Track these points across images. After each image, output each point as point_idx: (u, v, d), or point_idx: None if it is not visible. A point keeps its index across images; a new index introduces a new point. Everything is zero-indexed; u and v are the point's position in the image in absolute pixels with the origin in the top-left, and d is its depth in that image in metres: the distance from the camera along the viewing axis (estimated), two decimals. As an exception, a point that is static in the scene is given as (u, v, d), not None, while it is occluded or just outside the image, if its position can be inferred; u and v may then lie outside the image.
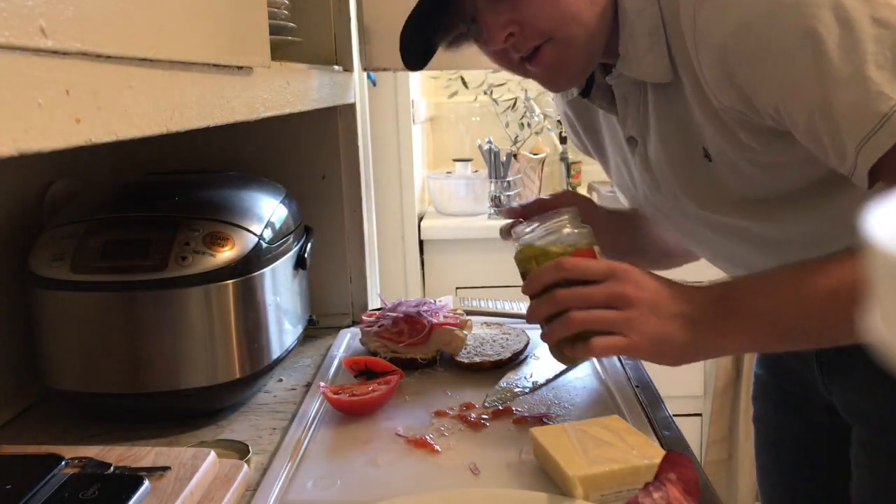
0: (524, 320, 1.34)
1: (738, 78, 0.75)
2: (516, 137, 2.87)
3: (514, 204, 0.96)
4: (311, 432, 0.96)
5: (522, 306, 1.40)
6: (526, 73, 0.88)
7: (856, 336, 0.84)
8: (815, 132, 0.73)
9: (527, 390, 1.05)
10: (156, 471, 0.78)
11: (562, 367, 1.12)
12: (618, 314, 0.79)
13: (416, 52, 0.92)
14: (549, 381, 1.08)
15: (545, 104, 2.86)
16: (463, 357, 1.15)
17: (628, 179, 1.00)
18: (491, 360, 1.14)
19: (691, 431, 2.44)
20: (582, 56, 0.86)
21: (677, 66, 0.82)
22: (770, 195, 0.86)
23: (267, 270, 1.04)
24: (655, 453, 0.78)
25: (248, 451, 0.89)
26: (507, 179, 2.59)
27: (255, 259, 1.02)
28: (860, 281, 0.74)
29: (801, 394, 1.08)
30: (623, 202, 1.12)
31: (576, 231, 0.89)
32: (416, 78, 2.62)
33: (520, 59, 0.86)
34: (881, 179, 0.71)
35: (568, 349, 0.84)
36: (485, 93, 2.88)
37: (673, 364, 0.82)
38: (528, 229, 0.90)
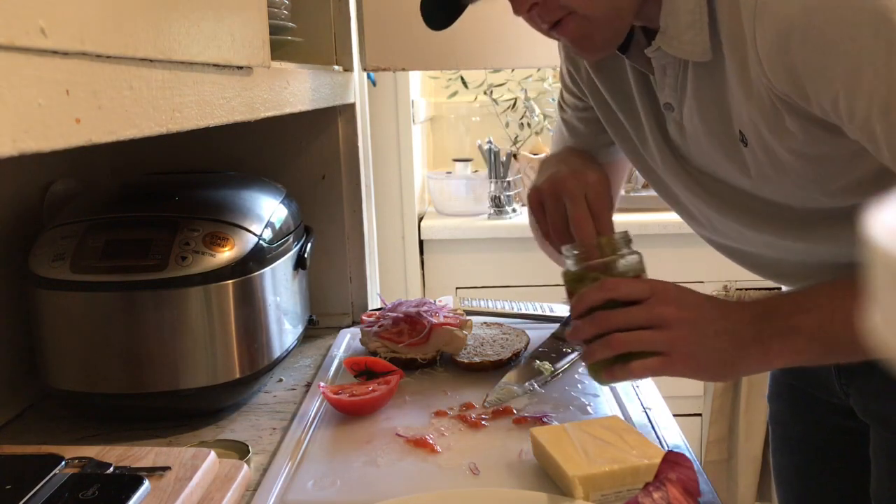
0: (524, 320, 1.35)
1: (797, 61, 0.71)
2: (516, 137, 2.87)
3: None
4: (311, 432, 0.96)
5: (522, 306, 1.40)
6: (555, 38, 0.87)
7: None
8: (871, 129, 0.70)
9: (527, 390, 1.05)
10: (156, 471, 0.78)
11: (561, 366, 1.13)
12: (659, 335, 0.80)
13: (440, 10, 0.90)
14: (548, 381, 1.08)
15: (545, 104, 2.86)
16: (463, 357, 1.15)
17: (654, 146, 0.96)
18: (491, 360, 1.13)
19: (691, 431, 2.44)
20: (606, 30, 0.84)
21: (722, 43, 0.79)
22: (802, 200, 0.84)
23: (267, 270, 1.04)
24: (655, 453, 0.78)
25: (248, 451, 0.89)
26: (507, 179, 2.59)
27: (255, 259, 1.02)
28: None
29: (817, 395, 1.07)
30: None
31: (626, 258, 0.88)
32: (416, 78, 2.62)
33: (546, 27, 0.84)
34: None
35: (606, 373, 0.85)
36: (485, 93, 2.87)
37: (719, 380, 0.82)
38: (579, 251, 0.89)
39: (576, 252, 0.89)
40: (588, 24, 0.82)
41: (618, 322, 0.82)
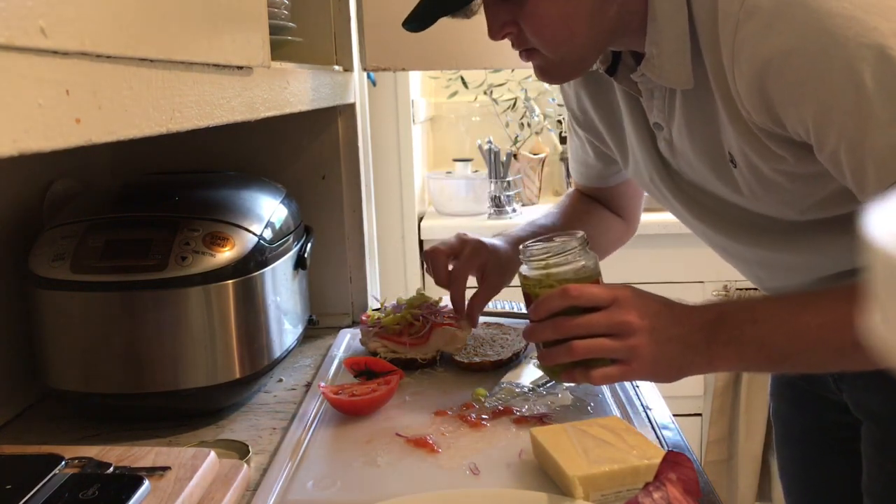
0: (524, 320, 1.34)
1: (773, 99, 0.75)
2: (516, 137, 2.87)
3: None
4: (311, 432, 0.96)
5: (522, 306, 1.40)
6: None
7: (847, 367, 0.87)
8: (838, 160, 0.74)
9: (527, 390, 1.05)
10: (156, 471, 0.78)
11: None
12: (620, 343, 0.83)
13: (419, 17, 0.91)
14: (549, 381, 1.08)
15: (545, 104, 2.86)
16: (463, 357, 1.15)
17: (643, 164, 0.99)
18: (491, 360, 1.13)
19: (691, 431, 2.44)
20: (573, 67, 0.90)
21: (708, 73, 0.81)
22: (791, 215, 0.86)
23: (267, 270, 1.04)
24: (655, 453, 0.78)
25: (248, 451, 0.89)
26: (507, 179, 2.59)
27: (255, 259, 1.02)
28: (852, 321, 0.75)
29: (813, 391, 1.09)
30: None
31: (583, 262, 0.91)
32: (416, 78, 2.62)
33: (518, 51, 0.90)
34: None
35: (565, 375, 0.89)
36: (485, 93, 2.87)
37: (665, 381, 0.86)
38: (536, 253, 0.92)
39: (533, 253, 0.92)
40: (550, 62, 0.88)
41: (580, 329, 0.85)
